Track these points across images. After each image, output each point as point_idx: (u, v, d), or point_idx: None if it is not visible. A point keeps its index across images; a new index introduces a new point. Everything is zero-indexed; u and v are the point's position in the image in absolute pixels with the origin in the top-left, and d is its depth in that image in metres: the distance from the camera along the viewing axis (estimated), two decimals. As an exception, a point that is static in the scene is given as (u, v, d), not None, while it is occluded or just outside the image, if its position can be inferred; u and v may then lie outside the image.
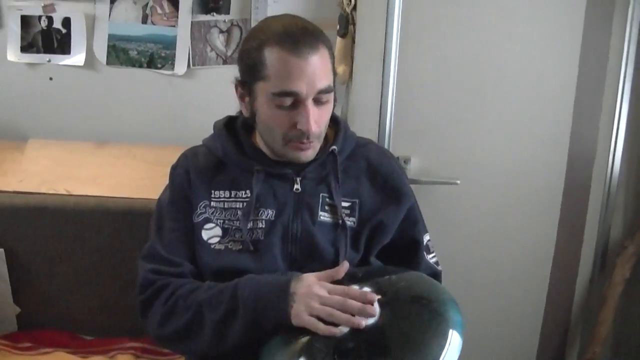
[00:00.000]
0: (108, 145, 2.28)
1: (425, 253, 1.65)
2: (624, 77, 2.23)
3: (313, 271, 1.49)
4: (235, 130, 1.66)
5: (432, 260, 1.67)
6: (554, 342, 2.47)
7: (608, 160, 2.30)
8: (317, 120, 1.48)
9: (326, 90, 1.48)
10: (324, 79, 1.46)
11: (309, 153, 1.54)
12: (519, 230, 2.34)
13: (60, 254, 2.07)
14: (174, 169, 1.67)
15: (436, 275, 1.65)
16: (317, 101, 1.48)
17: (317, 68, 1.45)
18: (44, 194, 2.10)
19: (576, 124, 2.27)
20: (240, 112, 1.62)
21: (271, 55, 1.45)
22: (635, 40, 2.19)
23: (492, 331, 2.40)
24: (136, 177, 2.16)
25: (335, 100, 1.57)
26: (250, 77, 1.50)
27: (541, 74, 2.23)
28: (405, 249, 1.65)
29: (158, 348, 1.99)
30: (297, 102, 1.46)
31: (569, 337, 2.48)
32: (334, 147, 1.60)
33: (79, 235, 2.06)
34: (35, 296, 2.09)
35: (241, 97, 1.56)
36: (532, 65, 2.22)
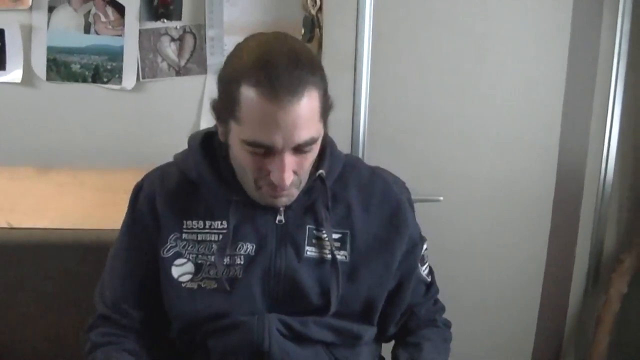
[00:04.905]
0: (52, 171, 2.15)
1: (419, 265, 1.59)
2: (616, 76, 2.16)
3: (296, 312, 1.40)
4: (212, 147, 1.48)
5: (424, 272, 1.61)
6: (547, 361, 2.43)
7: (600, 169, 2.25)
8: (295, 169, 1.33)
9: (307, 143, 1.30)
10: (304, 131, 1.28)
11: (284, 200, 1.39)
12: (507, 246, 2.27)
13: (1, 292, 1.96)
14: (136, 192, 1.51)
15: (427, 285, 1.63)
16: (297, 150, 1.31)
17: (299, 118, 1.26)
18: (-18, 228, 1.98)
19: (565, 130, 2.20)
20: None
21: (246, 97, 1.26)
22: (628, 36, 2.12)
23: (482, 352, 2.32)
24: (85, 205, 2.07)
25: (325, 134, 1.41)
26: (224, 110, 1.33)
27: (527, 77, 2.16)
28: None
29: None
30: (272, 152, 1.29)
31: (562, 355, 2.43)
32: (321, 171, 1.43)
33: (22, 274, 1.96)
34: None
35: (217, 120, 1.39)
36: (517, 68, 2.15)
